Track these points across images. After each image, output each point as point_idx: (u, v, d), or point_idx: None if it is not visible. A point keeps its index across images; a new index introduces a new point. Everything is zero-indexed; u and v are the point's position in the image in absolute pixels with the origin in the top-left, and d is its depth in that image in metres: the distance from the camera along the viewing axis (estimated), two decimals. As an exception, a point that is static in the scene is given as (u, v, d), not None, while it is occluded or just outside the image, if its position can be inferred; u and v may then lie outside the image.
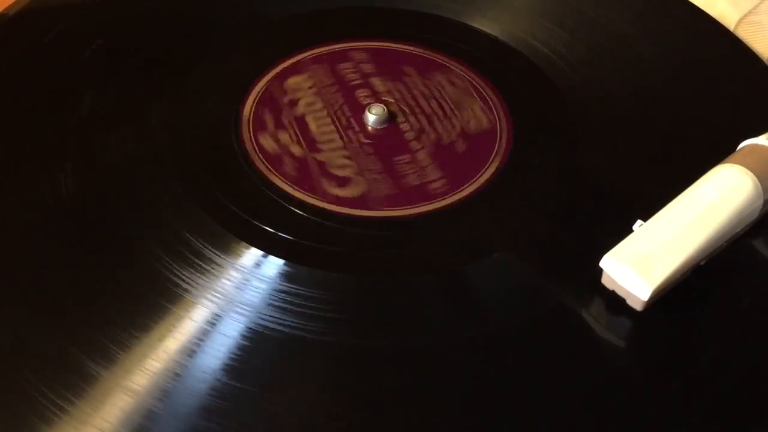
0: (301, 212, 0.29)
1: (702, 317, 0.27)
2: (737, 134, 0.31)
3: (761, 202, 0.28)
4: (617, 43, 0.37)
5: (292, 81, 0.34)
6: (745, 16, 0.40)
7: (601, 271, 0.27)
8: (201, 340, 0.26)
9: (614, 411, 0.25)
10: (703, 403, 0.25)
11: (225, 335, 0.26)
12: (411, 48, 0.36)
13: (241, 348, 0.25)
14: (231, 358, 0.25)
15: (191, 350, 0.25)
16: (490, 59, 0.36)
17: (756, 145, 0.29)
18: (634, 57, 0.36)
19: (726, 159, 0.29)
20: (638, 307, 0.26)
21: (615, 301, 0.27)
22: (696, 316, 0.27)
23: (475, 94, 0.34)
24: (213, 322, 0.26)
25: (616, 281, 0.26)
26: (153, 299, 0.26)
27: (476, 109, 0.33)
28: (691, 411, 0.25)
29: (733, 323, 0.27)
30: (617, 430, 0.25)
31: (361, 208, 0.30)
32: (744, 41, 0.39)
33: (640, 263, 0.26)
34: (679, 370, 0.26)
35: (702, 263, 0.27)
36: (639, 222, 0.28)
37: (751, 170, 0.28)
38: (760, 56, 0.38)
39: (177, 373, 0.25)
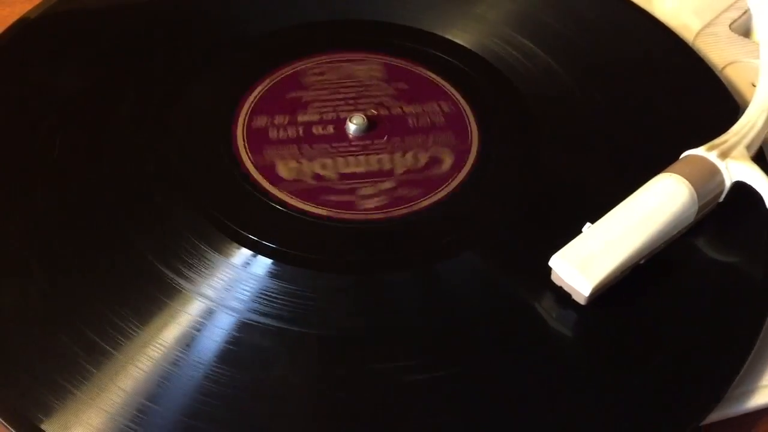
0: (288, 216, 0.32)
1: (640, 310, 0.30)
2: (686, 143, 0.33)
3: (696, 208, 0.31)
4: (579, 53, 0.39)
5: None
6: (705, 27, 0.43)
7: (550, 269, 0.30)
8: (197, 331, 0.29)
9: (561, 392, 0.28)
10: (639, 388, 0.28)
11: (218, 327, 0.29)
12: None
13: (232, 339, 0.28)
14: (224, 348, 0.28)
15: (187, 341, 0.28)
16: (459, 67, 0.38)
17: (695, 156, 0.32)
18: (594, 67, 0.39)
19: (668, 168, 0.32)
20: (582, 301, 0.29)
21: (563, 296, 0.30)
22: (635, 309, 0.30)
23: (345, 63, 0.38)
24: (207, 315, 0.29)
25: (562, 278, 0.30)
26: (152, 294, 0.29)
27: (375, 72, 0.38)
28: (627, 394, 0.28)
29: (670, 315, 0.30)
30: (564, 408, 0.28)
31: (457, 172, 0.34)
32: (701, 53, 0.41)
33: (583, 263, 0.29)
34: (619, 357, 0.29)
35: (641, 262, 0.30)
36: (588, 224, 0.31)
37: (688, 179, 0.31)
38: (714, 68, 0.41)
39: (176, 359, 0.28)
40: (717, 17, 0.43)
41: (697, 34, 0.43)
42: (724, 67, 0.41)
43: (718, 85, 0.38)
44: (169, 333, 0.28)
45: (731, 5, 0.44)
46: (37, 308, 0.29)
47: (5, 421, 0.26)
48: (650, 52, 0.40)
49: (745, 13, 0.43)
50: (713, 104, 0.38)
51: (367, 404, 0.28)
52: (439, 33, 0.40)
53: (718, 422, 0.30)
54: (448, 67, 0.38)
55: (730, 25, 0.43)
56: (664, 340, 0.30)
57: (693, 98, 0.38)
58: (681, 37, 0.41)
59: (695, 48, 0.41)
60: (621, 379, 0.29)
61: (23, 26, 0.38)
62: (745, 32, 0.43)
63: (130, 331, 0.28)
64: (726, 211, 0.33)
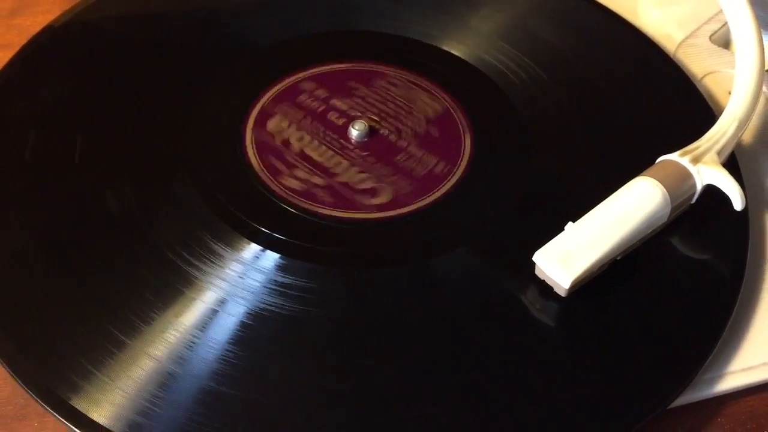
0: (294, 214, 0.35)
1: (617, 302, 0.33)
2: (663, 148, 0.36)
3: (668, 209, 0.33)
4: (567, 63, 0.42)
5: (271, 124, 0.38)
6: (686, 38, 0.46)
7: (534, 264, 0.33)
8: (210, 317, 0.31)
9: (543, 376, 0.31)
10: (614, 373, 0.31)
11: (230, 314, 0.31)
12: (346, 66, 0.41)
13: (243, 325, 0.31)
14: (235, 333, 0.31)
15: (202, 326, 0.31)
16: (454, 76, 0.41)
17: (669, 161, 0.35)
18: (580, 76, 0.41)
19: (644, 172, 0.34)
20: (562, 293, 0.32)
21: (546, 289, 0.33)
22: (612, 301, 0.33)
23: (415, 86, 0.40)
24: (220, 303, 0.32)
25: (545, 272, 0.32)
26: (171, 284, 0.32)
27: (425, 98, 0.39)
28: (603, 378, 0.31)
29: (644, 307, 0.33)
30: (545, 390, 0.31)
31: (397, 209, 0.36)
32: (682, 63, 0.44)
33: (563, 258, 0.32)
34: (597, 345, 0.32)
35: (618, 258, 0.33)
36: (570, 223, 0.33)
37: (662, 182, 0.33)
38: (694, 77, 0.43)
39: (192, 342, 0.31)
40: (698, 29, 0.46)
41: (679, 45, 0.45)
42: (703, 77, 0.44)
43: (696, 94, 0.41)
44: (185, 318, 0.31)
45: (712, 18, 0.46)
46: (65, 299, 0.32)
47: (41, 400, 0.29)
48: (633, 62, 0.43)
49: (724, 25, 0.45)
50: (690, 112, 0.40)
51: (364, 385, 0.31)
52: (436, 44, 0.43)
53: (687, 405, 0.32)
54: (444, 75, 0.41)
55: (710, 37, 0.46)
56: (638, 330, 0.32)
57: (672, 106, 0.41)
58: (663, 47, 0.44)
59: (677, 58, 0.44)
60: (598, 364, 0.32)
61: (48, 34, 0.41)
62: (725, 44, 0.46)
63: (151, 317, 0.31)
64: (699, 212, 0.36)
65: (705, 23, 0.46)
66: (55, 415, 0.29)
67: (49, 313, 0.31)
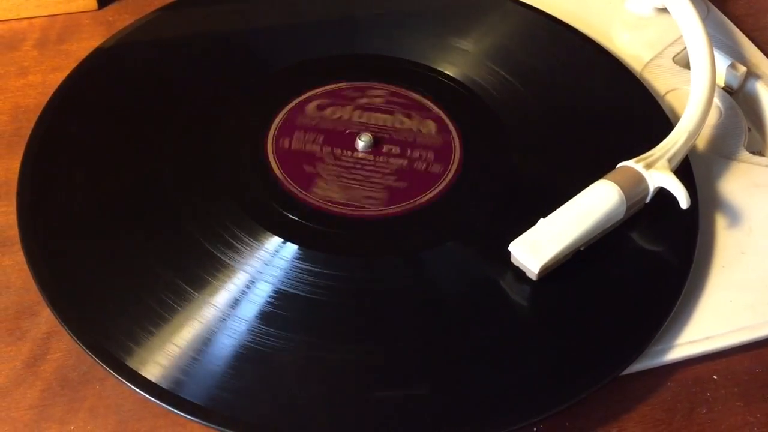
0: (309, 212, 0.41)
1: (580, 285, 0.39)
2: (628, 155, 0.41)
3: (624, 208, 0.39)
4: (545, 82, 0.48)
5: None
6: (652, 59, 0.52)
7: (510, 252, 0.39)
8: (240, 297, 0.37)
9: (517, 347, 0.37)
10: (577, 344, 0.37)
11: (257, 294, 0.37)
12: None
13: (268, 303, 0.37)
14: (262, 309, 0.37)
15: (233, 303, 0.37)
16: (446, 92, 0.47)
17: (626, 167, 0.40)
18: (556, 93, 0.47)
19: (605, 176, 0.40)
20: (533, 277, 0.38)
21: (520, 274, 0.39)
22: (576, 284, 0.39)
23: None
24: (248, 285, 0.38)
25: (519, 260, 0.38)
26: (206, 269, 0.38)
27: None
28: (567, 349, 0.37)
29: (603, 289, 0.39)
30: (519, 359, 0.36)
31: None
32: (648, 81, 0.50)
33: (533, 248, 0.37)
34: (562, 321, 0.38)
35: (582, 248, 0.39)
36: (541, 218, 0.39)
37: (619, 185, 0.39)
38: (657, 94, 0.49)
39: (223, 318, 0.37)
40: (663, 51, 0.52)
41: (645, 65, 0.51)
42: (665, 93, 0.50)
43: (658, 109, 0.47)
44: (219, 297, 0.37)
45: (675, 41, 0.52)
46: (121, 279, 0.38)
47: (100, 360, 0.35)
48: (604, 80, 0.49)
49: (686, 47, 0.51)
50: (653, 124, 0.46)
51: (367, 356, 0.36)
52: (431, 65, 0.49)
53: (642, 371, 0.38)
54: (437, 91, 0.47)
55: (673, 58, 0.52)
56: (598, 309, 0.38)
57: (636, 119, 0.47)
58: (631, 67, 0.50)
59: (643, 77, 0.50)
60: (563, 336, 0.37)
61: (98, 55, 0.47)
62: (686, 64, 0.51)
63: (190, 295, 0.37)
64: (656, 211, 0.41)
65: (669, 45, 0.52)
66: (112, 374, 0.35)
67: (106, 292, 0.38)
